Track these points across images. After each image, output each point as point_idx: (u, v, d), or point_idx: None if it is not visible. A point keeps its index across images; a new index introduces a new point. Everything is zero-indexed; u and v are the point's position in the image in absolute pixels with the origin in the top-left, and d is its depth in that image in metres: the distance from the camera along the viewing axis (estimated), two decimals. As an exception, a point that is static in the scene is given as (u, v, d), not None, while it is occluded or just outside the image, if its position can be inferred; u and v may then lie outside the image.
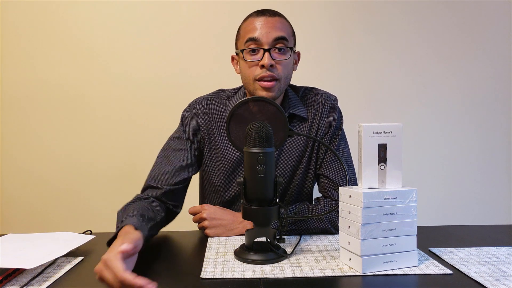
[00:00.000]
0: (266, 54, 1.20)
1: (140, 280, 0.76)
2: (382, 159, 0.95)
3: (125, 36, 2.15)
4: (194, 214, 1.24)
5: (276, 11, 1.27)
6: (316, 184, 1.38)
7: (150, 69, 2.17)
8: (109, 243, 1.00)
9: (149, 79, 2.17)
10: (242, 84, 1.33)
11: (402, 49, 2.24)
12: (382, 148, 0.95)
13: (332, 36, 2.21)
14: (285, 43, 1.22)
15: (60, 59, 2.15)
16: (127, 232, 0.96)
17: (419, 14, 2.23)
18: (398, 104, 2.25)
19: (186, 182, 1.29)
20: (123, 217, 1.06)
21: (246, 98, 1.10)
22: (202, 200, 1.46)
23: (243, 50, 1.23)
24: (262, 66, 1.20)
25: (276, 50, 1.22)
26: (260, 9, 1.27)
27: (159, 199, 1.23)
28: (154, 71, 2.17)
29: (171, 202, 1.25)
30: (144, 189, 1.26)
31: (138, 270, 0.96)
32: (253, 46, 1.22)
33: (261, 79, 1.21)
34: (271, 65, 1.20)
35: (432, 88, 2.26)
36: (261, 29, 1.21)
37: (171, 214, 1.27)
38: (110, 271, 0.80)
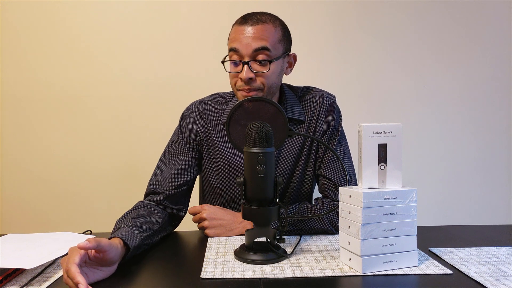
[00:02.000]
0: (245, 67, 1.18)
1: (80, 279, 0.79)
2: (382, 159, 0.95)
3: (125, 37, 2.15)
4: (194, 214, 1.24)
5: (262, 16, 1.21)
6: (316, 184, 1.38)
7: (150, 70, 2.17)
8: None
9: (148, 80, 2.17)
10: None
11: (402, 49, 2.24)
12: (382, 148, 0.95)
13: (331, 36, 2.21)
14: (267, 54, 1.19)
15: (60, 59, 2.15)
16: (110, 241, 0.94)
17: (419, 14, 2.23)
18: (398, 104, 2.25)
19: (187, 184, 1.29)
20: (118, 226, 1.05)
21: (246, 98, 1.09)
22: (202, 201, 1.46)
23: (224, 61, 1.24)
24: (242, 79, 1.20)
25: (257, 62, 1.20)
26: (249, 12, 1.24)
27: (161, 204, 1.23)
28: (154, 72, 2.17)
29: (174, 206, 1.25)
30: (146, 195, 1.27)
31: (139, 269, 0.96)
32: (235, 57, 1.21)
33: (241, 90, 1.22)
34: (250, 78, 1.19)
35: (432, 88, 2.26)
36: (242, 40, 1.19)
37: (175, 218, 1.27)
38: (66, 260, 0.85)
